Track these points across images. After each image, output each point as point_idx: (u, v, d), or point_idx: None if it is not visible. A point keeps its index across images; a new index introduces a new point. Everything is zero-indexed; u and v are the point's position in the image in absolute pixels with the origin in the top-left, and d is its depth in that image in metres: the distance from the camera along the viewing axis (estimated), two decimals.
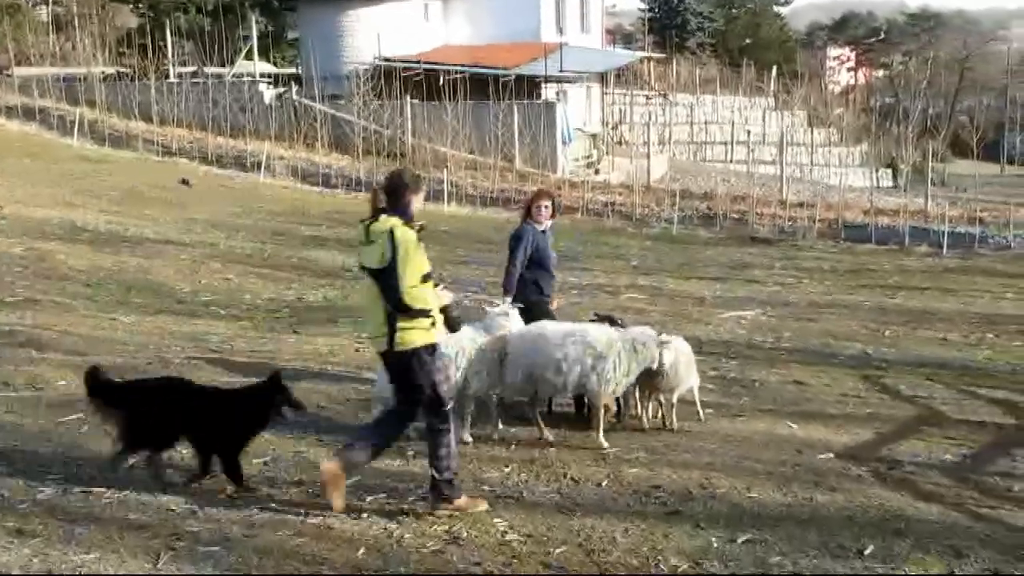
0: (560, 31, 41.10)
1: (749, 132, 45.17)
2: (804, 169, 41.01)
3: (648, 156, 37.42)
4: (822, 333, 14.82)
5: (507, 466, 8.26)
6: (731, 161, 45.52)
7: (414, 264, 7.03)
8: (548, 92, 37.80)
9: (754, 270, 21.16)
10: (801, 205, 29.02)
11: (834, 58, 76.46)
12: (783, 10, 73.51)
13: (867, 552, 6.70)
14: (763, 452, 8.99)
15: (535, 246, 10.26)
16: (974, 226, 25.74)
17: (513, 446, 8.87)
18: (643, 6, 63.46)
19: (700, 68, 54.59)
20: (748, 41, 64.42)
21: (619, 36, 66.31)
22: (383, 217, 7.09)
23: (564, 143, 35.52)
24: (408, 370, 7.02)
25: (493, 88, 34.53)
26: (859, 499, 7.77)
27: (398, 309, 6.96)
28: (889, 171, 47.38)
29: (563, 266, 20.40)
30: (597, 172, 36.87)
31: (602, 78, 45.14)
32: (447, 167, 31.09)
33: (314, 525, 6.87)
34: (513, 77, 35.62)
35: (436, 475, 7.09)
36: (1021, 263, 22.54)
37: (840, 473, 8.48)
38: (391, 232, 6.99)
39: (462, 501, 7.11)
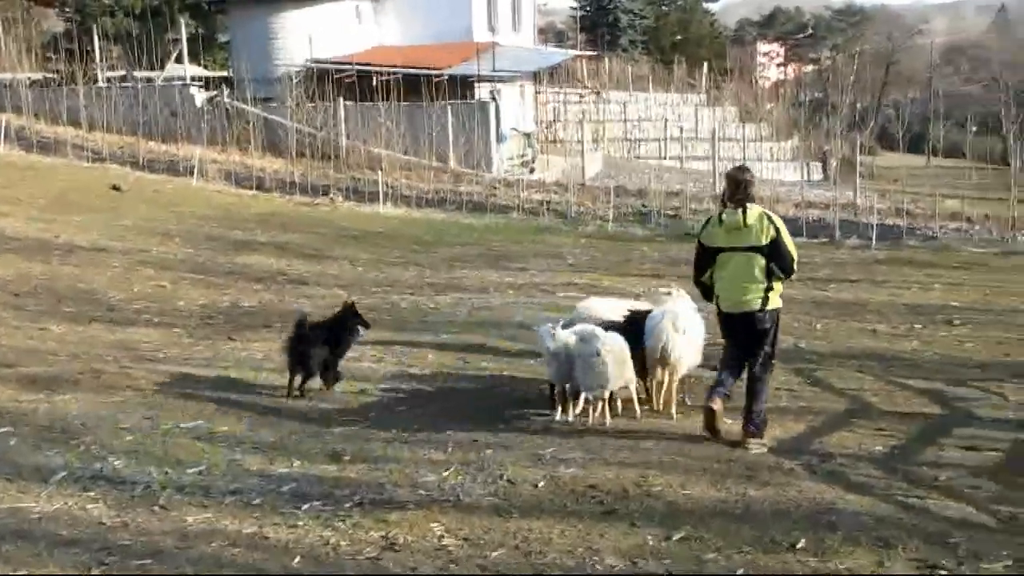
0: (492, 30, 41.10)
1: (682, 128, 45.65)
2: (736, 164, 41.42)
3: (582, 154, 37.62)
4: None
5: (445, 469, 8.26)
6: (665, 157, 45.86)
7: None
8: (482, 92, 37.79)
9: (689, 266, 21.22)
10: None
11: (764, 54, 77.30)
12: (713, 7, 74.40)
13: (799, 546, 6.79)
14: (698, 448, 9.07)
15: None
16: (902, 218, 26.18)
17: (450, 448, 8.88)
18: (574, 4, 63.70)
19: (632, 66, 54.91)
20: (679, 38, 64.89)
21: (551, 35, 66.48)
22: (750, 206, 8.91)
23: (499, 142, 35.56)
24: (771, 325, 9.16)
25: (427, 89, 34.47)
26: (791, 493, 7.87)
27: (789, 275, 9.08)
28: (819, 165, 47.99)
29: (498, 265, 20.67)
30: (532, 171, 36.94)
31: (535, 77, 45.24)
32: (381, 168, 30.99)
33: (249, 535, 6.83)
34: (446, 77, 35.58)
35: (756, 414, 9.12)
36: (947, 254, 22.97)
37: (773, 467, 8.59)
38: (769, 217, 9.01)
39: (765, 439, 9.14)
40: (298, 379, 10.70)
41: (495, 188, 31.01)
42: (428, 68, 35.71)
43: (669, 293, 10.52)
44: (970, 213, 27.20)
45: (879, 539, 6.94)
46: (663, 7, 67.80)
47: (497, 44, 38.37)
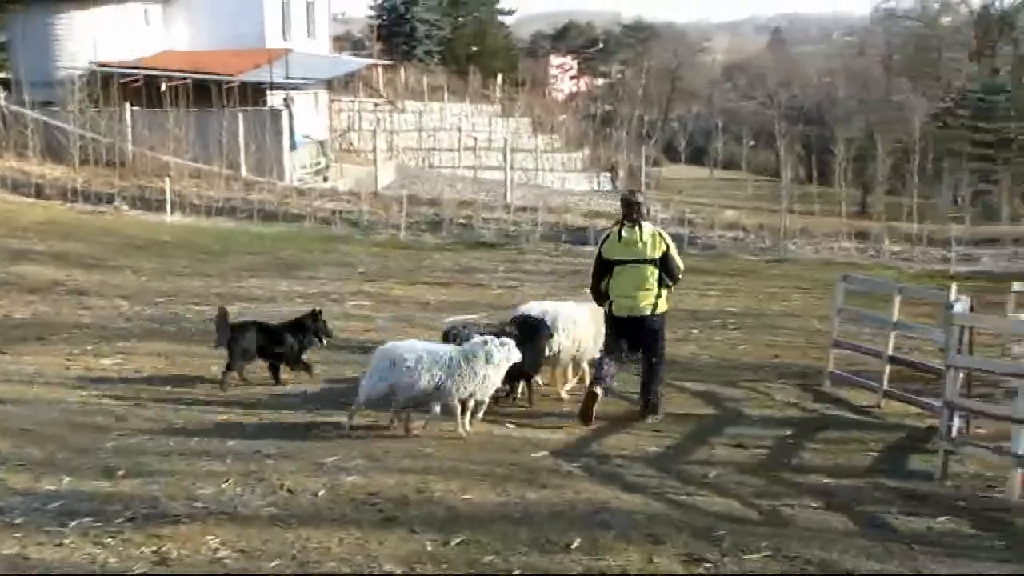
0: (286, 37, 40.57)
1: (476, 139, 46.08)
2: (529, 174, 42.12)
3: (376, 163, 37.53)
4: None
5: (223, 481, 8.12)
6: (459, 167, 46.21)
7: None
8: (274, 99, 37.25)
9: (479, 274, 21.59)
10: (525, 209, 29.78)
11: (557, 67, 78.81)
12: (508, 19, 75.32)
13: (574, 545, 6.97)
14: (480, 453, 9.22)
15: None
16: (684, 227, 27.18)
17: (229, 459, 8.74)
18: (371, 13, 63.50)
19: (428, 75, 55.08)
20: (474, 49, 65.43)
21: (348, 43, 66.04)
22: (644, 224, 10.53)
23: (291, 150, 35.12)
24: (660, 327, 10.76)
25: (217, 95, 33.74)
26: (569, 494, 8.09)
27: (675, 283, 10.69)
28: (608, 175, 49.25)
29: (289, 275, 20.43)
30: (325, 179, 36.61)
31: (330, 85, 44.90)
32: (169, 176, 30.16)
33: (8, 556, 6.55)
34: (238, 84, 34.92)
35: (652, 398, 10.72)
36: (724, 261, 23.99)
37: (552, 470, 8.81)
38: (660, 234, 10.61)
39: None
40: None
41: (287, 197, 30.60)
42: (219, 74, 34.97)
43: None
44: (746, 223, 28.44)
45: (650, 536, 7.20)
46: (459, 18, 68.21)
47: (291, 51, 37.90)
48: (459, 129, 49.56)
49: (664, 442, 10.07)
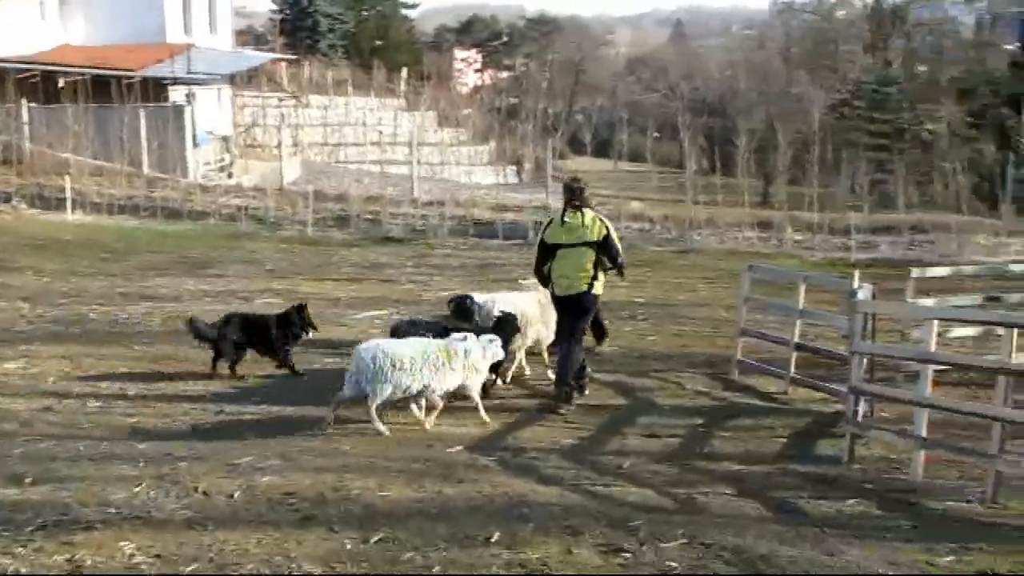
0: (187, 32, 39.92)
1: (381, 133, 45.86)
2: (435, 168, 42.05)
3: (281, 159, 37.15)
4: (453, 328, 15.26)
5: (135, 485, 7.98)
6: (365, 162, 45.95)
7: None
8: (176, 95, 36.64)
9: (388, 269, 21.51)
10: (432, 204, 29.73)
11: (461, 60, 78.73)
12: (411, 13, 74.97)
13: (493, 539, 7.00)
14: (397, 450, 9.21)
15: None
16: None
17: (141, 463, 8.61)
18: (274, 7, 62.73)
19: (332, 70, 54.62)
20: (378, 43, 65.00)
21: (250, 37, 65.13)
22: (585, 210, 11.03)
23: (194, 147, 34.58)
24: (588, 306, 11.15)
25: (117, 91, 33.07)
26: (486, 488, 8.13)
27: (619, 267, 11.18)
28: (514, 168, 49.39)
29: (195, 273, 20.14)
30: (230, 176, 36.14)
31: (233, 80, 44.30)
32: (69, 174, 29.47)
33: None
34: (138, 79, 34.27)
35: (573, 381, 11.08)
36: (631, 253, 24.03)
37: (468, 464, 8.84)
38: (601, 219, 11.09)
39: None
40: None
41: (192, 194, 30.12)
42: (119, 69, 34.26)
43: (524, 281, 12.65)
44: (652, 214, 28.73)
45: (568, 527, 7.26)
46: (363, 12, 67.67)
47: (192, 46, 37.29)
48: (364, 124, 49.29)
49: (578, 433, 10.17)
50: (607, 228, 11.05)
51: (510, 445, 9.62)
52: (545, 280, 11.32)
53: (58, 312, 16.07)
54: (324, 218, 27.98)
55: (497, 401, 11.13)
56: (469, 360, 9.98)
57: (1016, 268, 15.38)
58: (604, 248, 10.97)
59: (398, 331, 11.27)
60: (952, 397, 10.55)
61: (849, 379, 9.75)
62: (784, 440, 10.17)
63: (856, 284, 10.68)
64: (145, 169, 32.41)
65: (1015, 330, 8.64)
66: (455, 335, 10.28)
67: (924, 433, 8.94)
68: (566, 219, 11.06)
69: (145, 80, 34.62)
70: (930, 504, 8.38)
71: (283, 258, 22.85)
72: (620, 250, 11.15)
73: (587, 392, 11.39)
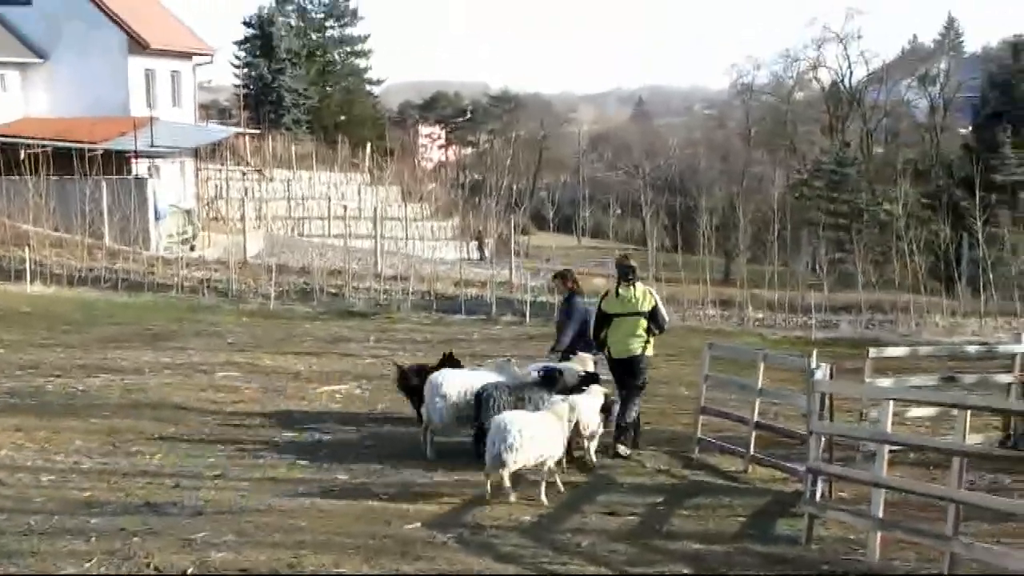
0: (151, 105, 40.04)
1: (345, 207, 45.96)
2: (398, 243, 42.13)
3: (244, 232, 37.15)
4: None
5: (87, 560, 7.87)
6: (329, 236, 45.99)
7: None
8: (139, 167, 36.68)
9: (350, 343, 21.44)
10: (396, 278, 29.76)
11: (425, 136, 79.39)
12: (376, 89, 75.59)
13: None
14: (354, 526, 9.15)
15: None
16: (553, 295, 27.43)
17: (93, 538, 8.48)
18: (238, 82, 63.16)
19: (296, 144, 54.90)
20: (342, 118, 65.51)
21: (215, 111, 65.47)
22: (637, 284, 12.80)
23: (157, 219, 34.55)
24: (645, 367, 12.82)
25: (79, 163, 33.08)
26: (443, 566, 8.08)
27: (662, 331, 12.98)
28: (476, 244, 49.56)
29: (156, 346, 19.99)
30: (193, 249, 36.07)
31: (196, 153, 44.41)
32: (29, 245, 29.33)
33: None
34: (101, 151, 34.30)
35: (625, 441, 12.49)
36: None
37: (426, 542, 8.79)
38: (650, 292, 12.93)
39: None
40: None
41: (153, 266, 30.04)
42: (81, 142, 34.32)
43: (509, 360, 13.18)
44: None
45: None
46: (327, 87, 68.26)
47: (156, 119, 37.41)
48: (328, 198, 49.42)
49: (537, 511, 10.12)
50: (655, 300, 12.79)
51: (469, 522, 9.56)
52: (603, 345, 12.81)
53: (13, 383, 15.89)
54: (287, 291, 27.93)
55: (457, 478, 11.09)
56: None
57: (971, 349, 15.56)
58: (653, 318, 12.66)
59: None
60: (910, 477, 10.62)
61: (808, 459, 9.79)
62: (743, 519, 10.17)
63: (814, 363, 10.77)
64: (106, 241, 32.35)
65: (968, 412, 8.74)
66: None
67: (881, 514, 8.97)
68: (620, 292, 12.71)
69: (108, 152, 34.68)
70: None
71: (245, 331, 22.73)
72: (666, 318, 13.07)
73: (629, 451, 12.47)
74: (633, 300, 12.67)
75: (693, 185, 58.25)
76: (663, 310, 12.92)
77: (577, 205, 70.02)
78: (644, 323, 12.66)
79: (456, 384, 12.03)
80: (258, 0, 61.71)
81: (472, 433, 11.80)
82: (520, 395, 11.64)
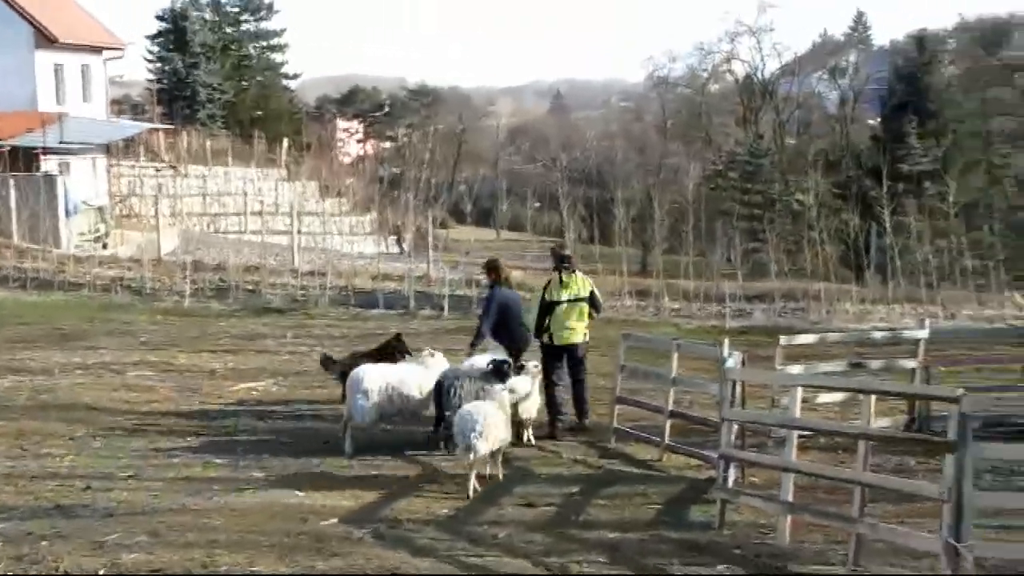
0: (60, 101, 39.21)
1: (262, 203, 45.47)
2: (317, 238, 41.79)
3: (158, 229, 36.59)
4: (332, 400, 15.17)
5: None
6: (245, 232, 45.48)
7: None
8: (48, 164, 35.93)
9: (266, 340, 21.23)
10: (313, 274, 29.54)
11: (343, 130, 78.85)
12: (292, 83, 74.86)
13: None
14: (269, 523, 9.10)
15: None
16: (471, 288, 27.53)
17: (1, 543, 8.33)
18: (151, 77, 62.18)
19: (211, 139, 54.16)
20: (259, 113, 64.82)
21: (127, 107, 64.31)
22: (576, 271, 13.64)
23: (68, 217, 33.88)
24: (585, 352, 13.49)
25: None
26: (359, 561, 8.08)
27: (599, 313, 13.83)
28: (395, 238, 49.36)
29: (66, 346, 19.64)
30: (105, 246, 35.44)
31: (108, 150, 43.61)
32: None
33: None
34: (7, 149, 33.53)
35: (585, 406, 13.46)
36: None
37: (343, 537, 8.77)
38: (587, 279, 13.78)
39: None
40: None
41: (64, 264, 29.45)
42: None
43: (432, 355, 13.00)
44: (532, 283, 28.93)
45: None
46: (242, 82, 67.40)
47: (65, 115, 36.67)
48: (245, 193, 48.83)
49: (454, 504, 10.16)
50: (591, 285, 13.58)
51: (386, 516, 9.56)
52: (541, 332, 13.27)
53: None
54: (202, 289, 27.55)
55: (375, 473, 11.09)
56: None
57: (877, 335, 15.91)
58: (592, 302, 13.38)
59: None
60: (820, 461, 10.85)
61: (720, 445, 9.95)
62: (658, 507, 10.31)
63: (726, 352, 10.94)
64: (15, 239, 31.62)
65: (873, 397, 8.96)
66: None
67: (790, 498, 9.16)
68: (564, 279, 13.32)
69: (15, 149, 33.92)
70: (796, 568, 8.58)
71: (159, 330, 22.41)
72: (601, 301, 13.84)
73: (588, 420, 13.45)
74: (575, 286, 13.32)
75: (610, 177, 58.63)
76: (598, 294, 13.68)
77: (496, 198, 70.11)
78: (587, 308, 13.34)
79: (378, 380, 12.01)
80: None
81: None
82: (478, 386, 11.80)
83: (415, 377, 12.35)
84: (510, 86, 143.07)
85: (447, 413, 11.62)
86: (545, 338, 13.31)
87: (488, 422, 10.63)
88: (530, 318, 13.54)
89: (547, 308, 13.28)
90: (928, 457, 10.93)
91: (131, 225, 40.98)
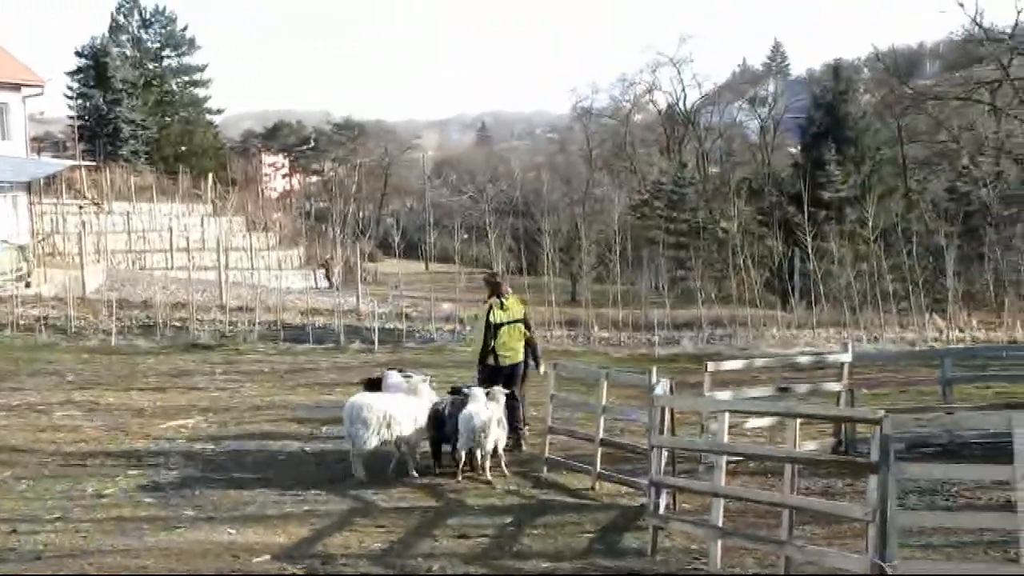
0: None
1: (188, 239, 45.12)
2: (244, 273, 41.54)
3: (82, 267, 36.10)
4: (263, 435, 15.09)
5: None
6: (172, 268, 45.03)
7: None
8: None
9: (195, 377, 21.05)
10: (242, 309, 29.35)
11: (269, 165, 78.55)
12: (216, 118, 74.42)
13: None
14: (201, 562, 9.03)
15: None
16: (401, 321, 27.54)
17: None
18: (72, 113, 61.43)
19: (135, 176, 53.63)
20: (183, 148, 64.39)
21: (48, 144, 63.45)
22: (510, 294, 14.45)
23: None
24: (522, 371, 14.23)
25: None
26: None
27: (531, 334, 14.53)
28: (323, 272, 49.21)
29: None
30: (28, 285, 34.83)
31: (30, 187, 42.94)
32: None
33: None
34: None
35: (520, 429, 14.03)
36: (442, 353, 24.38)
37: (276, 575, 8.73)
38: (520, 300, 14.72)
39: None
40: None
41: None
42: None
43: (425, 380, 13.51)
44: (461, 315, 29.06)
45: None
46: (165, 117, 66.95)
47: None
48: (170, 229, 48.40)
49: (388, 537, 10.16)
50: (525, 306, 14.63)
51: (319, 552, 9.54)
52: (488, 355, 14.01)
53: None
54: (129, 326, 27.24)
55: (307, 508, 11.05)
56: None
57: (803, 360, 16.21)
58: (525, 322, 14.30)
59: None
60: (750, 486, 11.02)
61: (650, 472, 10.08)
62: (591, 535, 10.39)
63: (654, 379, 11.10)
64: None
65: (798, 420, 9.16)
66: None
67: (720, 522, 9.30)
68: (503, 303, 14.14)
69: None
70: None
71: (85, 368, 22.10)
72: (531, 321, 14.75)
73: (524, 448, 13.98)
74: (512, 309, 14.21)
75: (537, 208, 58.91)
76: (529, 312, 14.76)
77: (423, 231, 70.08)
78: (523, 329, 14.25)
79: (377, 410, 12.31)
80: (90, 29, 59.90)
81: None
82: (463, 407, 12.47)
83: (410, 408, 12.63)
84: (435, 119, 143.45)
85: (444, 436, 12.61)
86: (491, 360, 14.07)
87: (488, 421, 12.04)
88: (475, 338, 14.61)
89: (493, 331, 14.07)
90: (854, 478, 11.17)
91: (54, 263, 40.34)
